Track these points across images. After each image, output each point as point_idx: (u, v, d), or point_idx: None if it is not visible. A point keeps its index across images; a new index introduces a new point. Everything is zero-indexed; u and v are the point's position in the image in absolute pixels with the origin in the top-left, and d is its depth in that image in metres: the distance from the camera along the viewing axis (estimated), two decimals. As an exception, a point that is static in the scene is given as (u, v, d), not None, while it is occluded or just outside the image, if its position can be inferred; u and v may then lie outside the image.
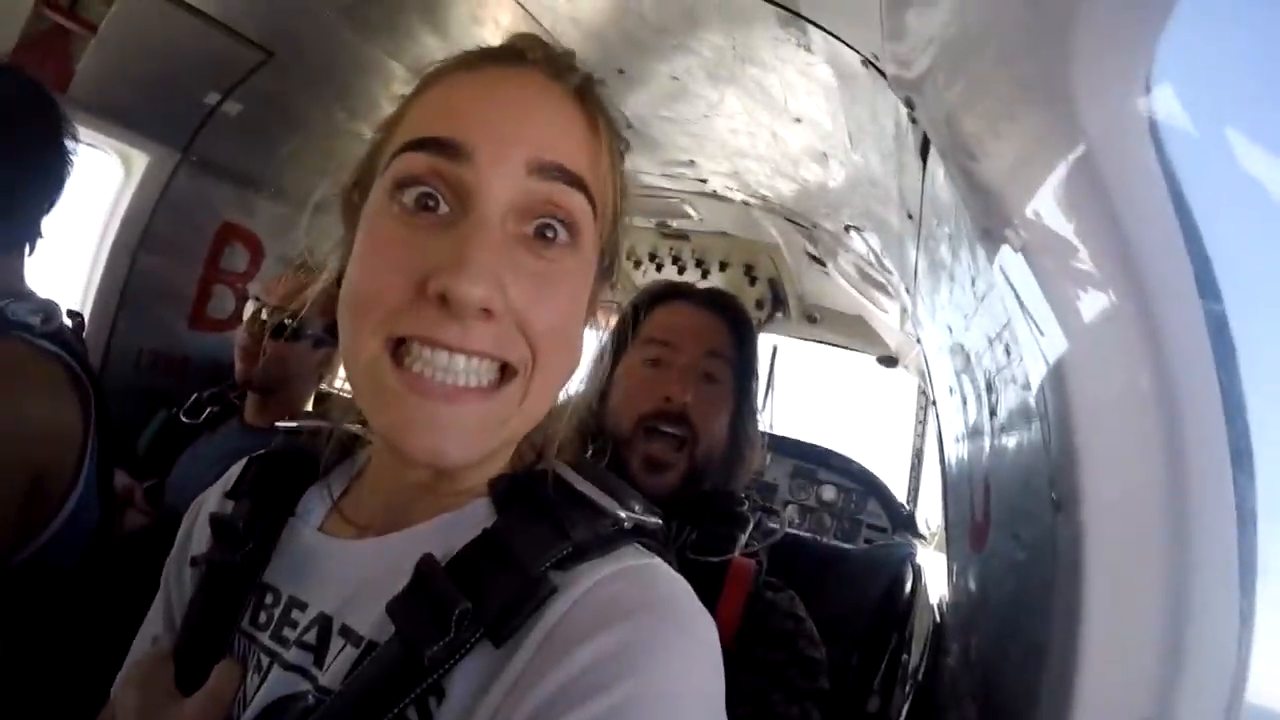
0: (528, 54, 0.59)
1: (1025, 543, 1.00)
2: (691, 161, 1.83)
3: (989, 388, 1.13)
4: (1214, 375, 0.66)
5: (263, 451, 0.72)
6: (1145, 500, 0.70)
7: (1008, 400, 1.03)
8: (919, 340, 1.78)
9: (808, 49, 1.07)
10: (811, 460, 2.56)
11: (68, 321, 1.23)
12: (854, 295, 2.07)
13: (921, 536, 2.47)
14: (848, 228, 1.72)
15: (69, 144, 1.16)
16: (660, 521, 0.62)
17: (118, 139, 1.71)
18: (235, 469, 0.73)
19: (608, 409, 1.27)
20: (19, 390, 1.08)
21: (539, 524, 0.56)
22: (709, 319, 1.28)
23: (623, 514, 0.58)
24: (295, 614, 0.60)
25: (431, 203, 0.53)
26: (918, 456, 2.58)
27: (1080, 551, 0.73)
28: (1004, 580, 1.13)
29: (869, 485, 2.56)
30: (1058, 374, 0.75)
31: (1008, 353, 0.99)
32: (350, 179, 0.64)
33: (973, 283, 1.04)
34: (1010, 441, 1.05)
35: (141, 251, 1.79)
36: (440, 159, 0.53)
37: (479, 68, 0.58)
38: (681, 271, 2.49)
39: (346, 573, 0.60)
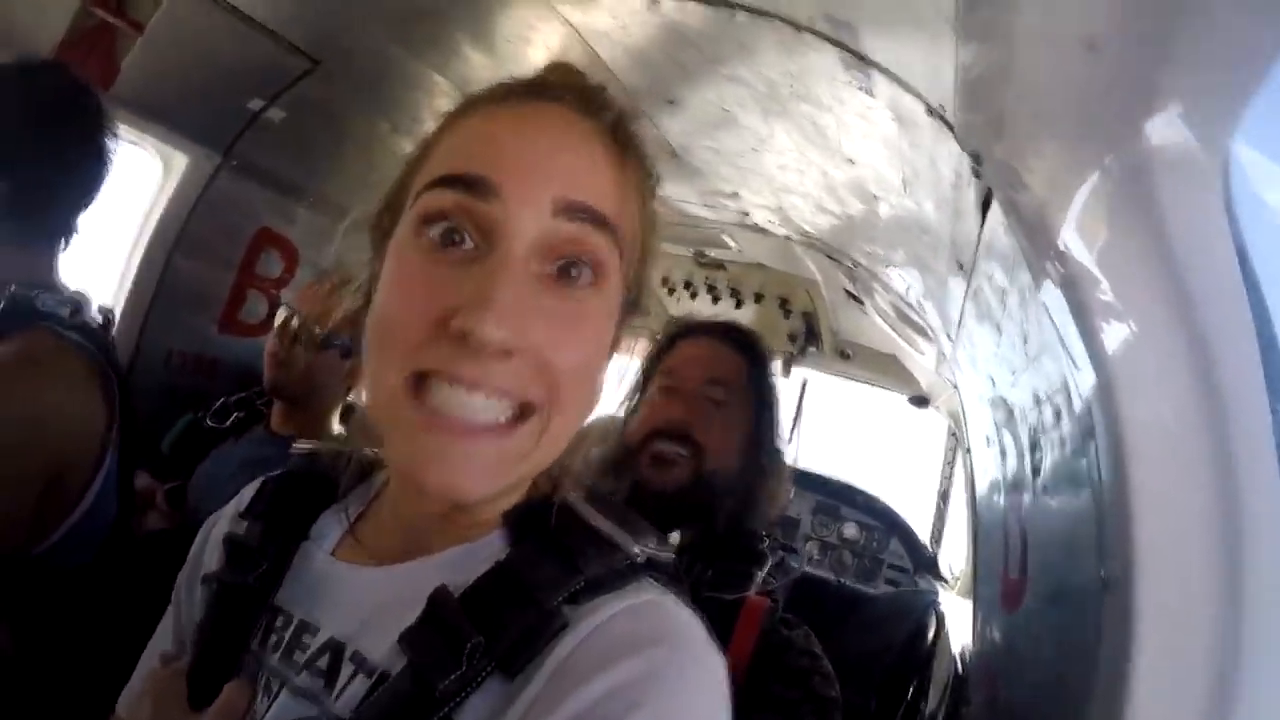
0: (559, 88, 0.59)
1: (1067, 611, 0.99)
2: (735, 193, 1.83)
3: (1033, 446, 1.12)
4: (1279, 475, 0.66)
5: (278, 472, 0.73)
6: (1200, 592, 0.70)
7: (1054, 462, 1.02)
8: (955, 386, 1.76)
9: (869, 93, 1.07)
10: (835, 496, 2.55)
11: (97, 316, 1.25)
12: (889, 334, 2.06)
13: (944, 580, 2.44)
14: (889, 266, 1.71)
15: (109, 143, 1.18)
16: (673, 556, 0.62)
17: (159, 139, 1.74)
18: (249, 489, 0.73)
19: (626, 433, 1.33)
20: (44, 381, 1.09)
21: (552, 558, 0.56)
22: (718, 350, 1.35)
23: (636, 549, 0.58)
24: (305, 638, 0.60)
25: (457, 238, 0.53)
26: (944, 498, 2.56)
27: (1129, 635, 0.72)
28: (1040, 643, 1.11)
29: (892, 525, 2.53)
30: (1118, 455, 0.74)
31: (1057, 416, 0.98)
32: (382, 202, 0.64)
33: (1025, 341, 1.03)
34: (1054, 503, 1.04)
35: (177, 252, 1.82)
36: (467, 196, 0.53)
37: (509, 101, 0.59)
38: (716, 300, 2.49)
39: (359, 599, 0.60)
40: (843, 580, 2.23)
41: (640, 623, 0.53)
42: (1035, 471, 1.11)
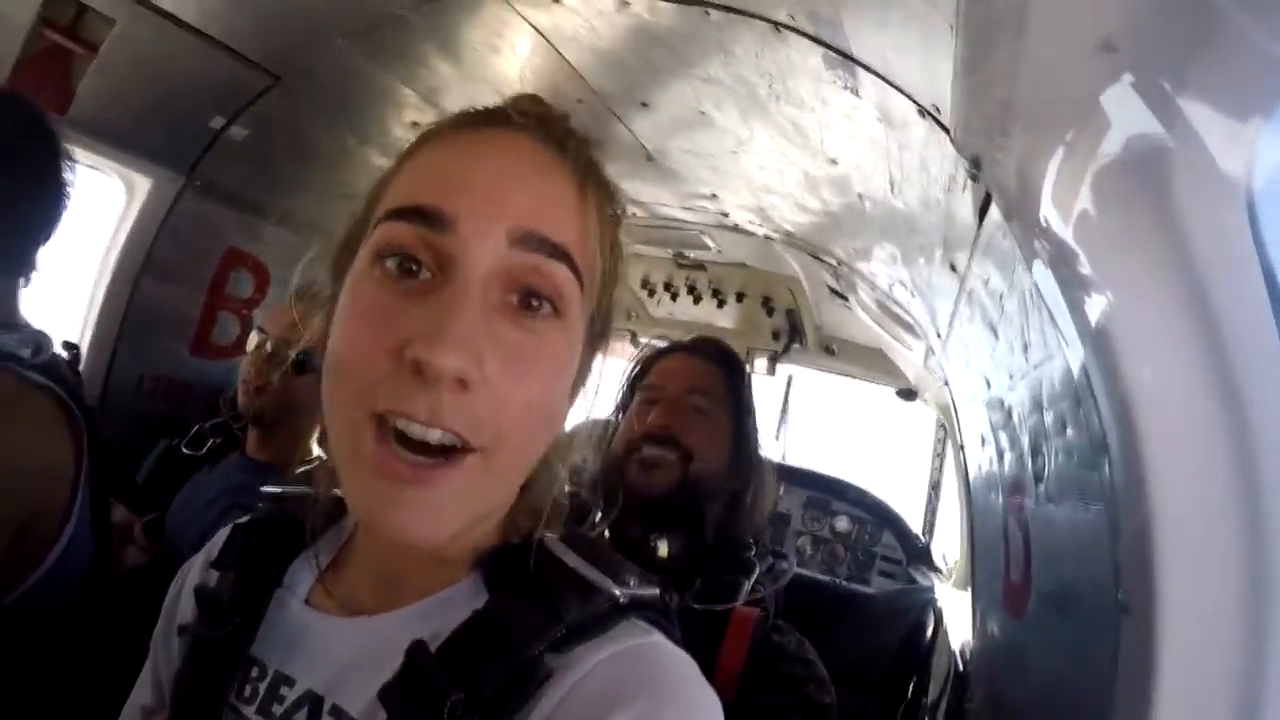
0: (520, 116, 0.58)
1: (1078, 625, 0.94)
2: (714, 195, 1.77)
3: (1034, 451, 1.07)
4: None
5: (246, 519, 0.70)
6: (1225, 621, 0.65)
7: (1059, 471, 0.97)
8: (945, 382, 1.71)
9: (855, 92, 1.01)
10: (825, 491, 2.50)
11: (63, 353, 1.18)
12: (874, 329, 2.01)
13: (937, 570, 2.40)
14: (873, 263, 1.66)
15: (66, 175, 1.10)
16: (658, 592, 0.59)
17: (120, 162, 1.65)
18: (220, 536, 0.70)
19: (614, 444, 1.32)
20: (5, 425, 1.02)
21: (531, 604, 0.54)
22: (697, 363, 1.37)
23: (617, 591, 0.55)
24: (283, 690, 0.58)
25: (414, 269, 0.52)
26: (934, 489, 2.52)
27: (1151, 663, 0.68)
28: (1048, 653, 1.07)
29: (884, 517, 2.49)
30: (1135, 476, 0.69)
31: (1062, 426, 0.92)
32: (342, 234, 0.62)
33: (1025, 348, 0.98)
34: (1059, 512, 0.99)
35: (145, 276, 1.73)
36: (423, 228, 0.51)
37: (467, 130, 0.57)
38: (697, 301, 2.43)
39: (336, 652, 0.58)
40: (837, 580, 2.18)
41: (629, 670, 0.51)
42: (1037, 478, 1.06)
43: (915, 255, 1.36)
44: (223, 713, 0.59)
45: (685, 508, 1.24)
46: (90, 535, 1.13)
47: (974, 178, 0.86)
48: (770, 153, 1.41)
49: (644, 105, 1.45)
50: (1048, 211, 0.72)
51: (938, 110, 0.85)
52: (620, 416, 1.37)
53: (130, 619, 0.81)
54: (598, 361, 0.64)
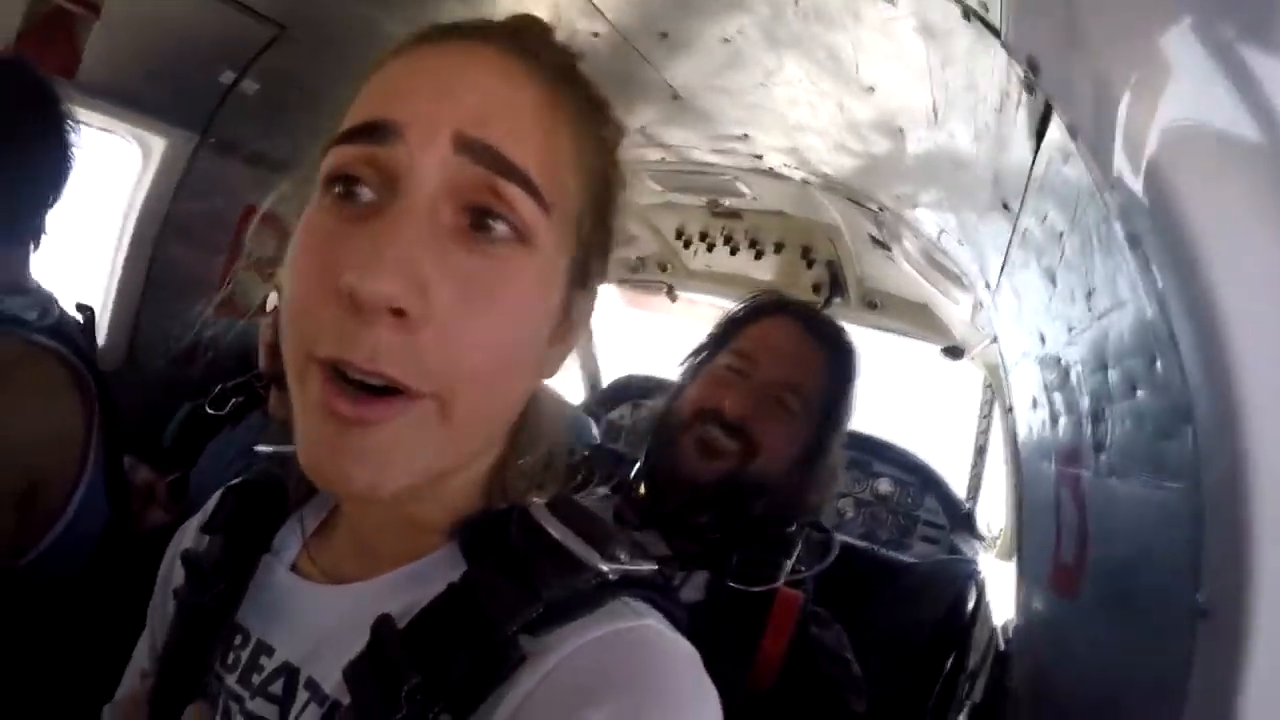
0: (494, 29, 0.51)
1: (1141, 624, 0.79)
2: (745, 135, 1.60)
3: (1095, 416, 0.90)
4: None
5: (238, 481, 0.66)
6: None
7: (1126, 441, 0.81)
8: (995, 339, 1.53)
9: (890, 1, 0.83)
10: (868, 452, 2.34)
11: (77, 315, 1.15)
12: (919, 282, 1.82)
13: (980, 537, 2.24)
14: (918, 208, 1.47)
15: (70, 138, 1.07)
16: (654, 569, 0.53)
17: (132, 123, 1.58)
18: (213, 499, 0.66)
19: (676, 403, 1.16)
20: (10, 389, 0.98)
21: (508, 578, 0.48)
22: (804, 348, 1.15)
23: (604, 566, 0.49)
24: (263, 659, 0.55)
25: (358, 192, 0.45)
26: (980, 453, 2.33)
27: (1234, 681, 0.52)
28: (1101, 649, 0.92)
29: (927, 480, 2.33)
30: (1228, 446, 0.54)
31: (1132, 388, 0.76)
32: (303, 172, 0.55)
33: (1089, 295, 0.81)
34: (1124, 489, 0.83)
35: (165, 238, 1.68)
36: (370, 145, 0.45)
37: (426, 43, 0.50)
38: (734, 252, 2.27)
39: (314, 621, 0.54)
40: (875, 548, 2.03)
41: (611, 658, 0.45)
42: (1099, 447, 0.90)
43: (962, 196, 1.18)
44: (208, 680, 0.57)
45: (729, 500, 1.09)
46: (105, 498, 1.10)
47: (1030, 88, 0.69)
48: (801, 83, 1.23)
49: (663, 35, 1.29)
50: (1129, 120, 0.56)
51: (985, 7, 0.68)
52: (700, 366, 1.19)
53: (151, 580, 0.76)
54: (587, 305, 0.56)
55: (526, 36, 0.51)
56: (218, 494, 0.65)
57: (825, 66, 1.13)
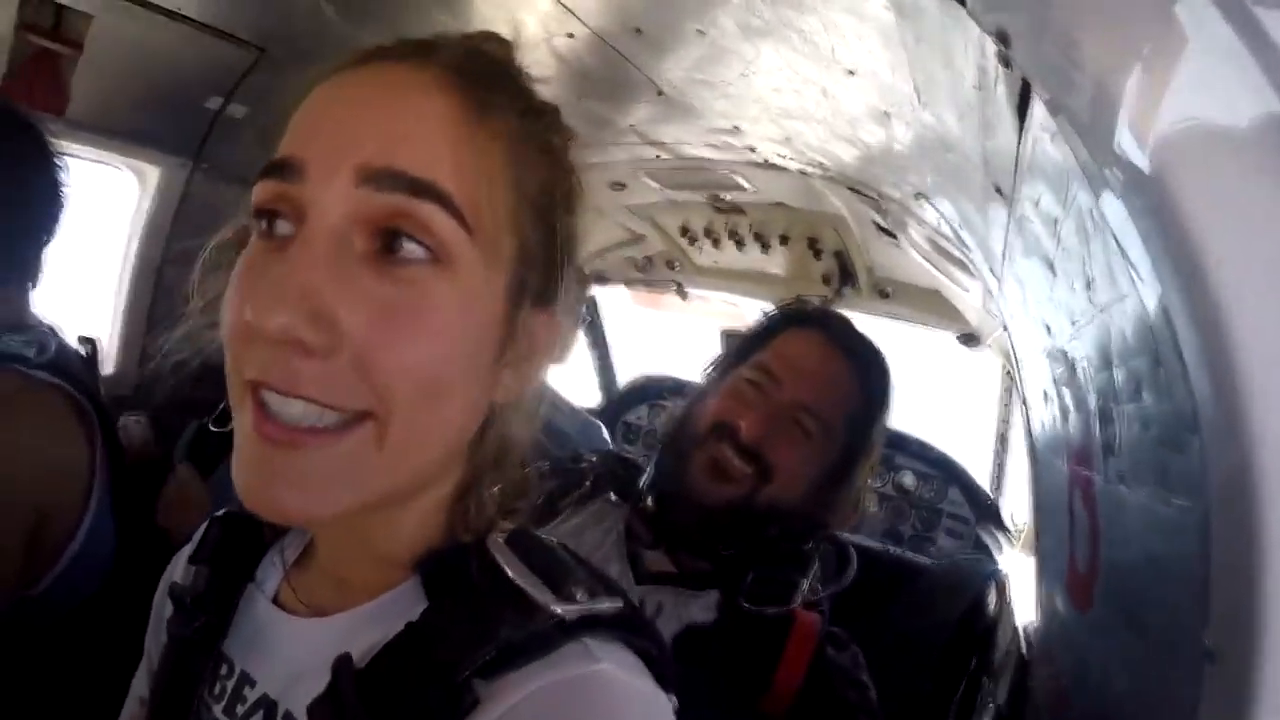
0: (409, 47, 0.49)
1: (1149, 652, 0.69)
2: (735, 128, 1.51)
3: (1104, 417, 0.80)
4: None
5: (223, 511, 0.65)
6: None
7: (1133, 445, 0.71)
8: (1005, 328, 1.42)
9: (851, -23, 0.75)
10: (890, 445, 2.22)
11: (80, 349, 1.16)
12: (929, 269, 1.71)
13: (1006, 530, 2.11)
14: (917, 196, 1.37)
15: (60, 176, 1.08)
16: (621, 604, 0.49)
17: (126, 154, 1.58)
18: (200, 530, 0.65)
19: (693, 412, 1.08)
20: (13, 426, 0.99)
21: (464, 619, 0.47)
22: (833, 367, 1.05)
23: (558, 609, 0.46)
24: (246, 690, 0.55)
25: (278, 224, 0.45)
26: (1002, 441, 2.20)
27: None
28: (1111, 669, 0.82)
29: (950, 472, 2.21)
30: (1236, 463, 0.45)
31: (1137, 389, 0.66)
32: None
33: (1089, 285, 0.71)
34: (1133, 499, 0.73)
35: (167, 264, 1.67)
36: (280, 181, 0.45)
37: (345, 70, 0.48)
38: (741, 247, 2.18)
39: (291, 654, 0.54)
40: (890, 549, 1.93)
41: (560, 708, 0.43)
42: (1108, 449, 0.80)
43: (956, 181, 1.08)
44: (199, 710, 0.56)
45: (739, 527, 1.02)
46: (111, 527, 1.10)
47: (1006, 62, 0.60)
48: (781, 70, 1.14)
49: (638, 32, 1.22)
50: (1113, 91, 0.47)
51: (948, -27, 0.60)
52: (719, 378, 1.10)
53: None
54: (544, 322, 0.52)
55: (443, 51, 0.48)
56: (204, 524, 0.64)
57: (802, 51, 1.04)
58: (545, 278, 0.51)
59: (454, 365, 0.46)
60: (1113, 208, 0.54)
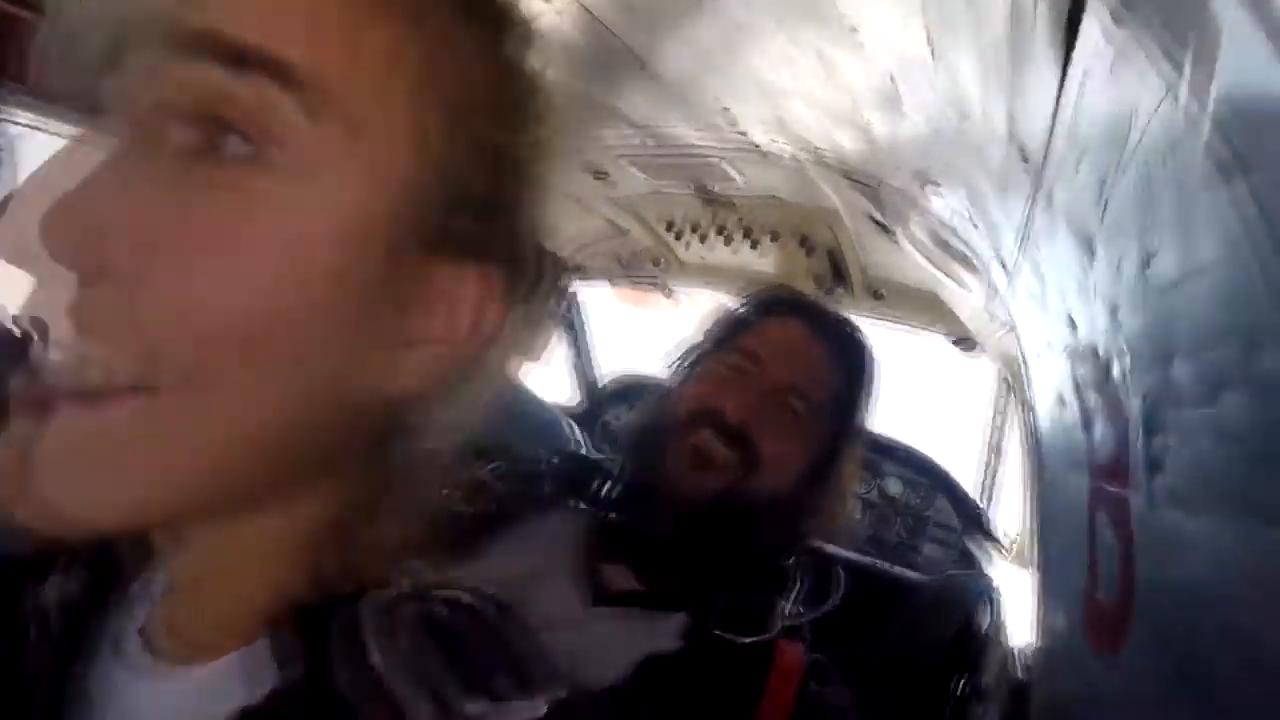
0: None
1: (1215, 708, 0.54)
2: (725, 108, 1.35)
3: (1150, 426, 0.65)
4: None
5: None
6: None
7: (1200, 461, 0.55)
8: (1011, 327, 1.27)
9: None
10: (876, 451, 2.08)
11: (12, 327, 0.98)
12: (926, 268, 1.56)
13: (995, 540, 1.96)
14: (922, 181, 1.22)
15: None
16: (541, 713, 0.34)
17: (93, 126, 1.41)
18: None
19: (666, 406, 0.98)
20: None
21: (321, 705, 0.33)
22: (814, 350, 0.98)
23: None
24: None
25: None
26: (995, 452, 2.05)
27: None
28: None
29: (937, 480, 2.07)
30: None
31: (1216, 389, 0.51)
32: None
33: (1146, 262, 0.56)
34: (1195, 529, 0.57)
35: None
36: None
37: None
38: (728, 242, 2.02)
39: (148, 712, 0.38)
40: (878, 563, 1.77)
41: None
42: (1153, 466, 0.64)
43: (970, 157, 0.93)
44: None
45: (722, 526, 0.89)
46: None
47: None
48: (776, 36, 0.99)
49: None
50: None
51: None
52: (694, 368, 1.01)
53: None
54: (481, 288, 0.36)
55: None
56: None
57: (799, 7, 0.88)
58: (476, 219, 0.35)
59: (278, 320, 0.31)
60: (1209, 119, 0.39)
